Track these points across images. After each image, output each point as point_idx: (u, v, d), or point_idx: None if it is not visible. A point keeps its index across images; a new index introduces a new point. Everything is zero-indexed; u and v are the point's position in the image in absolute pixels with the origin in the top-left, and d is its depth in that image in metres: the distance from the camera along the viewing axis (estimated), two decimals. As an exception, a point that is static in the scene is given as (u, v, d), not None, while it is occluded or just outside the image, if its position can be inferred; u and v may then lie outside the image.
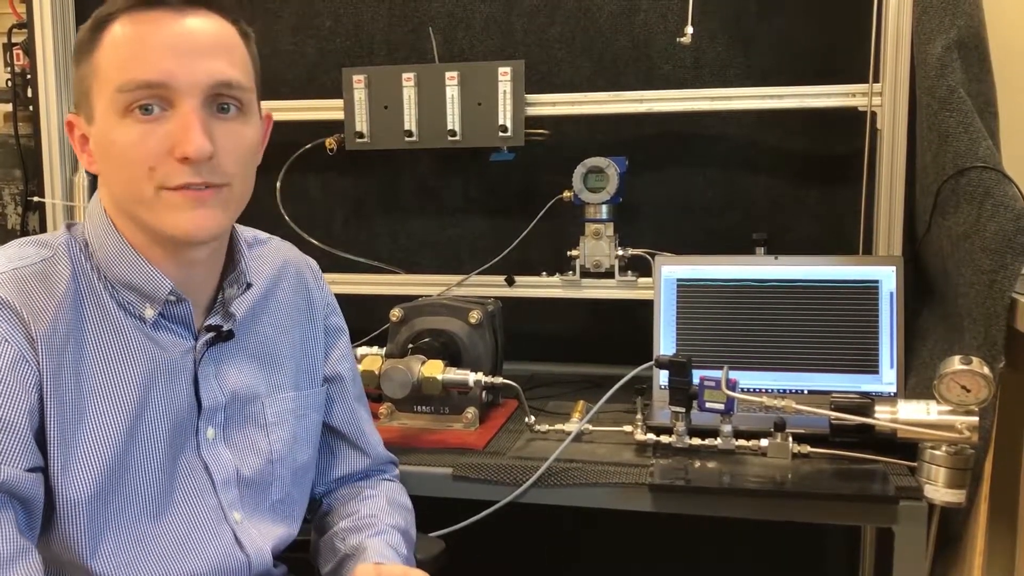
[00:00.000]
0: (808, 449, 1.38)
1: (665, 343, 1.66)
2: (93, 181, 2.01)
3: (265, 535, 1.09)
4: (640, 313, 1.77)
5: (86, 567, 0.94)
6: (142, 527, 0.98)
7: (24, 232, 2.07)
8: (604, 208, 1.79)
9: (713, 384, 1.37)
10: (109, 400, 0.96)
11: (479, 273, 1.94)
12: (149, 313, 1.00)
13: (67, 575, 0.96)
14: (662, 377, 1.62)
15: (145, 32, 0.93)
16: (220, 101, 0.96)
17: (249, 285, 1.09)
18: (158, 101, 0.93)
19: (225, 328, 1.06)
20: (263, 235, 1.20)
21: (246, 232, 1.14)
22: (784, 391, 1.60)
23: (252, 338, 1.12)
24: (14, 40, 2.06)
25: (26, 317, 0.91)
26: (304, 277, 1.21)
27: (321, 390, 1.21)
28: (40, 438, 0.92)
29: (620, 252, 1.80)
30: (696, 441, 1.42)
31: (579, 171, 1.78)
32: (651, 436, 1.45)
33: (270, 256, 1.18)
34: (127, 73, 0.92)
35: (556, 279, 1.87)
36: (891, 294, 1.58)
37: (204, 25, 0.95)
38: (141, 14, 0.93)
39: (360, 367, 1.46)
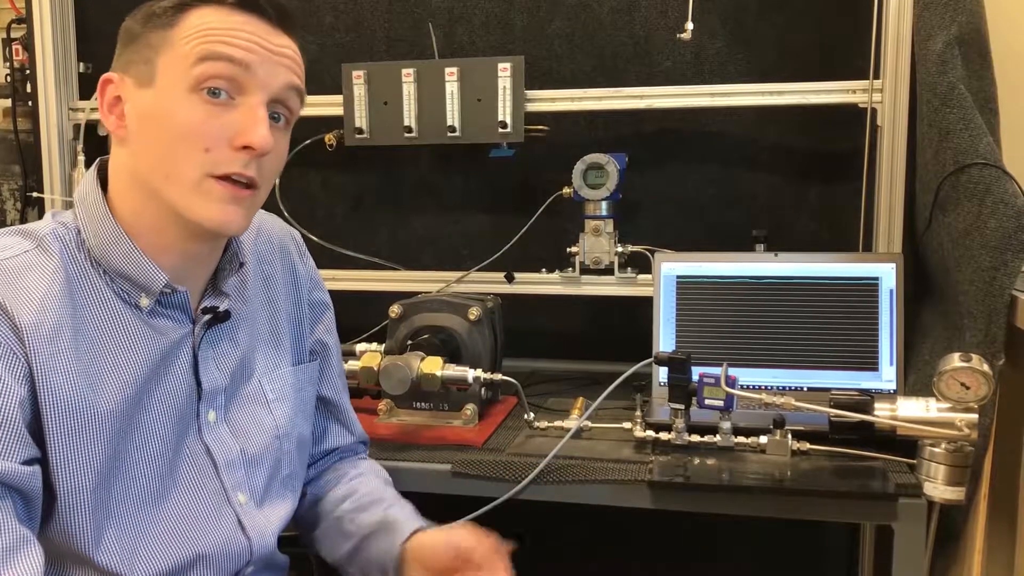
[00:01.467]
0: (807, 446, 1.38)
1: (664, 340, 1.65)
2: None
3: (269, 516, 1.10)
4: (640, 310, 1.77)
5: (89, 558, 0.94)
6: (144, 514, 0.98)
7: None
8: (604, 205, 1.79)
9: (712, 381, 1.37)
10: (108, 388, 0.96)
11: (478, 270, 1.94)
12: (144, 302, 1.00)
13: (69, 568, 0.96)
14: (661, 374, 1.62)
15: (239, 23, 0.96)
16: (277, 109, 0.99)
17: (242, 264, 1.09)
18: (230, 86, 0.95)
19: (221, 309, 1.07)
20: None
21: None
22: (783, 388, 1.60)
23: (246, 315, 1.12)
24: (13, 35, 2.06)
25: (10, 310, 0.90)
26: (288, 250, 1.22)
27: (315, 364, 1.22)
28: (37, 429, 0.91)
29: (620, 249, 1.80)
30: (695, 438, 1.42)
31: (579, 167, 1.78)
32: (650, 433, 1.45)
33: (254, 230, 1.18)
34: (215, 46, 0.94)
35: (556, 276, 1.87)
36: (891, 291, 1.58)
37: (289, 42, 1.01)
38: (239, 12, 0.96)
39: (359, 363, 1.46)
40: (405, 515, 1.14)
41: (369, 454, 1.35)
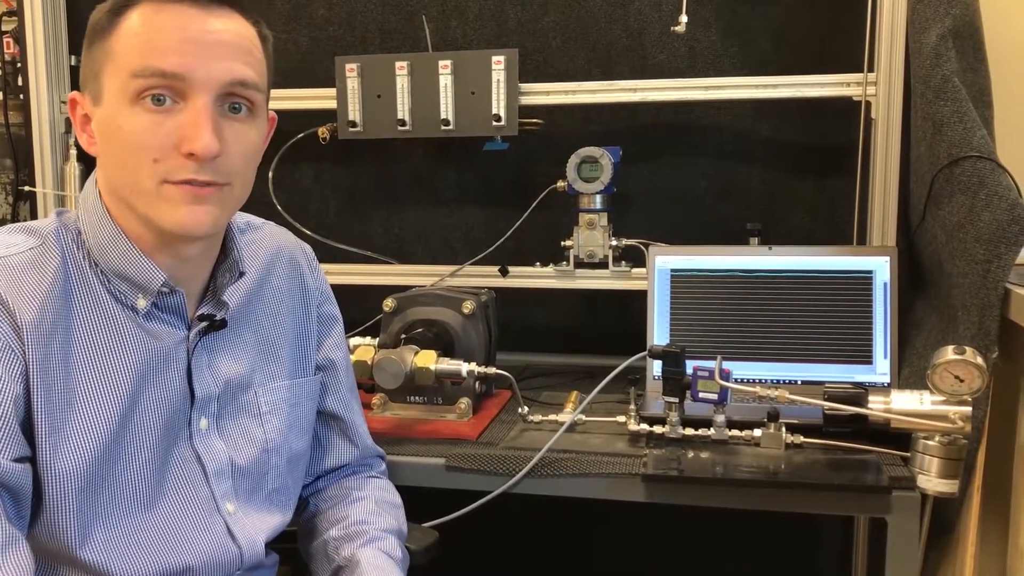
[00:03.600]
0: (801, 439, 1.38)
1: (659, 333, 1.65)
2: (85, 170, 2.01)
3: (258, 525, 1.09)
4: (634, 303, 1.77)
5: (75, 557, 0.94)
6: (133, 518, 0.98)
7: (16, 221, 2.06)
8: (598, 198, 1.79)
9: (707, 374, 1.37)
10: (100, 389, 0.95)
11: (472, 263, 1.94)
12: (142, 303, 0.99)
13: (56, 566, 0.95)
14: (656, 367, 1.62)
15: (167, 22, 0.92)
16: (232, 100, 0.96)
17: (242, 273, 1.08)
18: (171, 92, 0.92)
19: (218, 317, 1.06)
20: (257, 220, 1.19)
21: (239, 218, 1.13)
22: (778, 381, 1.60)
23: (246, 326, 1.11)
24: (4, 28, 2.05)
25: (12, 306, 0.90)
26: (298, 263, 1.21)
27: (315, 378, 1.20)
28: (27, 428, 0.91)
29: (614, 242, 1.80)
30: (689, 431, 1.42)
31: (573, 161, 1.77)
32: (644, 426, 1.45)
33: (264, 242, 1.17)
34: (144, 59, 0.91)
35: (550, 269, 1.87)
36: (885, 284, 1.58)
37: (226, 24, 0.95)
38: (165, 5, 0.93)
39: (353, 357, 1.46)
40: (370, 555, 1.11)
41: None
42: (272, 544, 1.13)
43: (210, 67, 0.93)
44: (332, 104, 1.88)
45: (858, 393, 1.35)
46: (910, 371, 1.53)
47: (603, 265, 1.82)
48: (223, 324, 1.07)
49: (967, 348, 1.27)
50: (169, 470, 1.02)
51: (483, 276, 1.91)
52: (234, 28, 0.96)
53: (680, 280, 1.67)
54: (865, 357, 1.58)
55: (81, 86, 0.99)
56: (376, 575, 1.08)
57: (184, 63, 0.91)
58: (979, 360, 1.26)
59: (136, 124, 0.92)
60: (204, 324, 1.05)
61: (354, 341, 1.64)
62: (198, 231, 0.96)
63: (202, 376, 1.05)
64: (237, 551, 1.05)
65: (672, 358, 1.40)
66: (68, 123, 2.02)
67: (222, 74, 0.94)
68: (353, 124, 1.87)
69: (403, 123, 1.84)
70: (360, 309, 1.82)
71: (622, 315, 1.88)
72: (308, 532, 1.21)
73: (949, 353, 1.27)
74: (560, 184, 1.81)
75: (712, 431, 1.41)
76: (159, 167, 0.93)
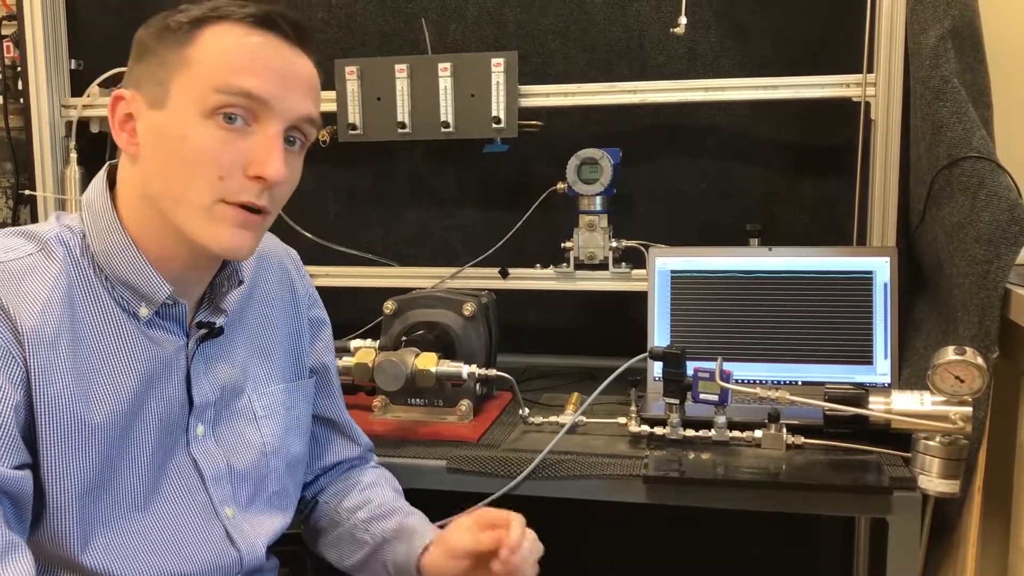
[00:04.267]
0: (802, 440, 1.39)
1: (659, 335, 1.65)
2: (85, 174, 2.00)
3: (259, 529, 1.09)
4: (634, 305, 1.76)
5: (76, 562, 0.94)
6: (132, 524, 0.98)
7: (16, 225, 2.06)
8: (598, 200, 1.79)
9: (707, 375, 1.37)
10: (105, 395, 0.95)
11: (473, 265, 1.94)
12: (144, 312, 0.99)
13: (58, 572, 0.95)
14: (656, 369, 1.62)
15: (258, 48, 0.94)
16: (292, 134, 0.98)
17: (241, 282, 1.08)
18: (245, 114, 0.93)
19: (217, 324, 1.06)
20: None
21: None
22: (778, 382, 1.60)
23: (240, 331, 1.11)
24: (4, 32, 2.05)
25: (12, 313, 0.89)
26: (287, 269, 1.21)
27: (309, 381, 1.21)
28: (30, 434, 0.91)
29: (614, 244, 1.80)
30: (690, 432, 1.42)
31: (573, 163, 1.77)
32: (645, 428, 1.45)
33: None
34: (232, 77, 0.92)
35: (550, 271, 1.87)
36: (885, 285, 1.58)
37: (306, 62, 0.99)
38: (257, 28, 0.94)
39: (354, 360, 1.46)
40: (422, 524, 1.18)
41: (365, 452, 1.35)
42: (272, 547, 1.13)
43: (291, 99, 0.95)
44: (332, 107, 1.88)
45: (859, 394, 1.35)
46: (910, 372, 1.53)
47: (603, 266, 1.81)
48: (220, 331, 1.07)
49: (967, 348, 1.27)
50: (166, 476, 1.02)
51: (483, 278, 1.91)
52: (311, 68, 1.00)
53: (680, 281, 1.67)
54: (865, 358, 1.58)
55: (133, 85, 0.96)
56: (433, 534, 1.14)
57: (270, 90, 0.93)
58: (979, 360, 1.26)
59: (207, 138, 0.92)
60: (203, 332, 1.05)
61: (354, 344, 1.65)
62: (240, 254, 0.98)
63: (200, 383, 1.05)
64: (236, 555, 1.05)
65: (673, 359, 1.41)
66: (68, 127, 2.02)
67: (299, 108, 0.96)
68: (353, 127, 1.87)
69: (403, 126, 1.84)
70: (361, 311, 1.82)
71: (622, 317, 1.88)
72: (322, 528, 1.22)
73: (949, 353, 1.27)
74: (560, 186, 1.81)
75: (713, 432, 1.41)
76: (221, 185, 0.93)
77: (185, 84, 0.93)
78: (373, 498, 1.21)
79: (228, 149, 0.92)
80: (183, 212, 0.94)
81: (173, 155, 0.93)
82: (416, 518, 1.19)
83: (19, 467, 0.89)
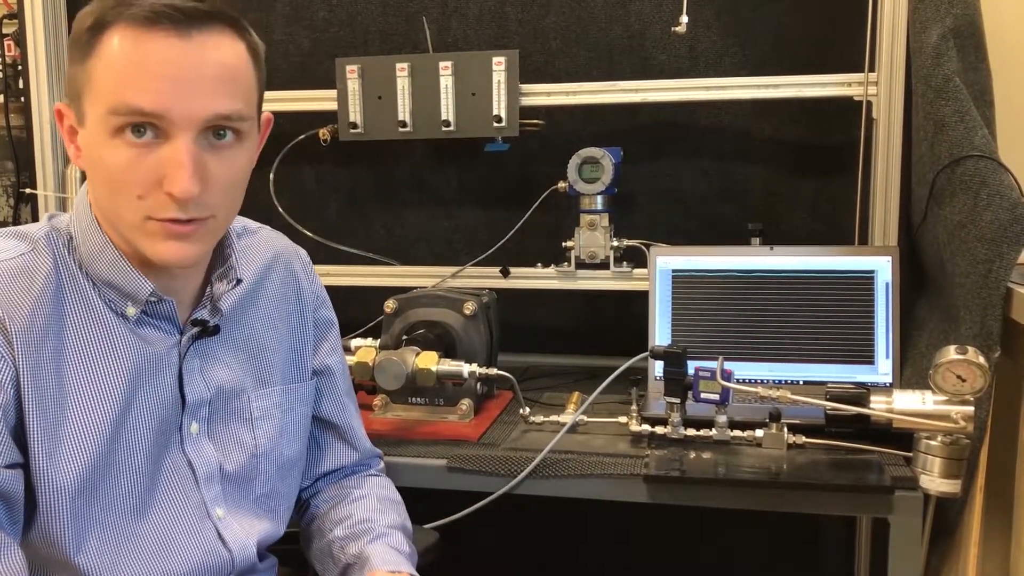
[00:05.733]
0: (803, 440, 1.38)
1: (660, 334, 1.65)
2: (84, 173, 2.00)
3: (248, 530, 1.08)
4: (635, 304, 1.76)
5: (70, 563, 0.93)
6: (126, 523, 0.97)
7: (16, 224, 2.06)
8: (599, 199, 1.78)
9: (708, 375, 1.37)
10: (93, 395, 0.95)
11: (474, 264, 1.94)
12: (131, 311, 0.99)
13: (51, 572, 0.95)
14: (657, 368, 1.62)
15: (145, 55, 0.87)
16: (217, 129, 0.93)
17: (239, 281, 1.07)
18: (151, 127, 0.89)
19: (211, 323, 1.05)
20: (253, 224, 1.18)
21: (236, 223, 1.12)
22: (779, 381, 1.60)
23: (239, 331, 1.11)
24: (5, 31, 2.05)
25: (1, 313, 0.89)
26: (294, 268, 1.20)
27: (310, 384, 1.20)
28: (20, 434, 0.91)
29: (615, 243, 1.80)
30: (691, 432, 1.42)
31: (574, 162, 1.77)
32: (646, 427, 1.44)
33: (259, 247, 1.16)
34: (121, 96, 0.88)
35: (551, 270, 1.86)
36: (887, 284, 1.58)
37: (209, 50, 0.90)
38: (143, 29, 0.87)
39: (354, 359, 1.46)
40: (379, 550, 1.11)
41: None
42: (271, 546, 1.13)
43: (190, 106, 0.89)
44: (333, 106, 1.88)
45: (860, 393, 1.34)
46: (912, 371, 1.53)
47: (604, 266, 1.81)
48: (216, 330, 1.06)
49: (969, 348, 1.27)
50: (161, 475, 1.01)
51: (484, 277, 1.91)
52: (216, 58, 0.91)
53: (681, 280, 1.66)
54: (867, 357, 1.58)
55: (67, 96, 0.95)
56: (388, 568, 1.08)
57: (162, 102, 0.88)
58: (981, 360, 1.25)
59: (118, 158, 0.89)
60: (196, 330, 1.04)
61: (355, 343, 1.64)
62: (182, 264, 0.96)
63: (193, 381, 1.04)
64: (228, 555, 1.05)
65: (674, 359, 1.40)
66: (69, 125, 2.02)
67: (203, 111, 0.90)
68: (354, 125, 1.87)
69: (404, 124, 1.84)
70: (361, 310, 1.82)
71: (623, 316, 1.88)
72: (311, 535, 1.20)
73: (951, 353, 1.26)
74: (561, 185, 1.81)
75: (714, 431, 1.41)
76: (143, 203, 0.91)
77: (92, 102, 0.90)
78: (354, 513, 1.17)
79: (139, 167, 0.89)
80: (123, 228, 0.94)
81: (98, 175, 0.93)
82: (378, 545, 1.12)
83: (10, 467, 0.89)
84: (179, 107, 0.88)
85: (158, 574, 0.99)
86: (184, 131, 0.89)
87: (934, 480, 1.26)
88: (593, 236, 1.80)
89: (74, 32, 0.93)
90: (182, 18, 0.88)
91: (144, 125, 0.89)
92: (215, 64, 0.91)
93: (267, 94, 1.02)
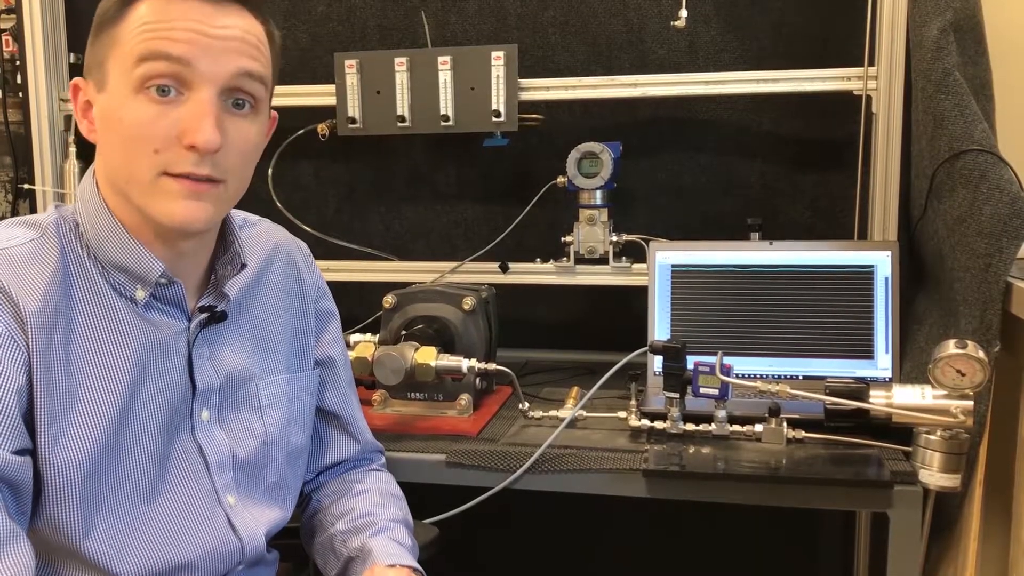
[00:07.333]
0: (803, 434, 1.38)
1: (659, 329, 1.65)
2: (84, 168, 2.00)
3: (259, 519, 1.09)
4: (634, 299, 1.76)
5: (78, 550, 0.94)
6: (135, 510, 0.98)
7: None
8: (598, 194, 1.78)
9: (707, 370, 1.37)
10: (101, 380, 0.96)
11: (473, 260, 1.93)
12: (140, 295, 0.99)
13: (57, 561, 0.95)
14: (656, 363, 1.62)
15: (177, 13, 0.92)
16: (236, 96, 0.96)
17: (244, 265, 1.08)
18: (175, 83, 0.92)
19: (219, 309, 1.06)
20: (253, 217, 1.19)
21: (236, 215, 1.13)
22: (779, 376, 1.59)
23: (245, 320, 1.11)
24: (3, 26, 2.05)
25: (15, 297, 0.90)
26: (295, 260, 1.21)
27: (314, 373, 1.20)
28: (28, 419, 0.91)
29: (614, 238, 1.80)
30: (690, 427, 1.42)
31: (573, 156, 1.77)
32: (645, 422, 1.44)
33: (261, 239, 1.17)
34: (152, 44, 0.91)
35: (550, 265, 1.86)
36: (886, 279, 1.58)
37: (235, 21, 0.95)
38: (178, 0, 0.93)
39: (353, 354, 1.45)
40: (381, 543, 1.12)
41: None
42: (273, 540, 1.13)
43: (217, 59, 0.93)
44: (331, 100, 1.88)
45: (859, 388, 1.35)
46: (912, 365, 1.53)
47: (603, 261, 1.81)
48: (223, 316, 1.07)
49: (969, 342, 1.27)
50: (171, 462, 1.02)
51: (483, 272, 1.91)
52: (243, 25, 0.96)
53: (681, 275, 1.66)
54: (866, 352, 1.58)
55: (85, 73, 0.98)
56: (390, 561, 1.08)
57: (191, 51, 0.91)
58: (981, 354, 1.25)
59: (139, 114, 0.92)
60: (204, 316, 1.05)
61: (354, 338, 1.64)
62: (193, 226, 0.96)
63: (203, 367, 1.05)
64: (238, 543, 1.05)
65: (673, 353, 1.40)
66: (67, 121, 2.02)
67: (228, 67, 0.93)
68: (352, 120, 1.86)
69: (403, 119, 1.83)
70: (360, 306, 1.82)
71: (623, 311, 1.88)
72: (312, 529, 1.21)
73: (951, 347, 1.26)
74: (560, 180, 1.81)
75: (713, 426, 1.41)
76: (159, 158, 0.92)
77: (117, 63, 0.93)
78: (356, 507, 1.18)
79: (160, 121, 0.92)
80: (135, 190, 0.95)
81: (115, 135, 0.94)
82: (380, 538, 1.13)
83: (19, 452, 0.89)
84: (206, 59, 0.92)
85: (166, 561, 0.99)
86: (209, 85, 0.92)
87: (933, 475, 1.26)
88: (592, 231, 1.79)
89: (101, 9, 0.96)
90: None
91: (168, 84, 0.92)
92: (241, 29, 0.95)
93: (266, 89, 1.03)
